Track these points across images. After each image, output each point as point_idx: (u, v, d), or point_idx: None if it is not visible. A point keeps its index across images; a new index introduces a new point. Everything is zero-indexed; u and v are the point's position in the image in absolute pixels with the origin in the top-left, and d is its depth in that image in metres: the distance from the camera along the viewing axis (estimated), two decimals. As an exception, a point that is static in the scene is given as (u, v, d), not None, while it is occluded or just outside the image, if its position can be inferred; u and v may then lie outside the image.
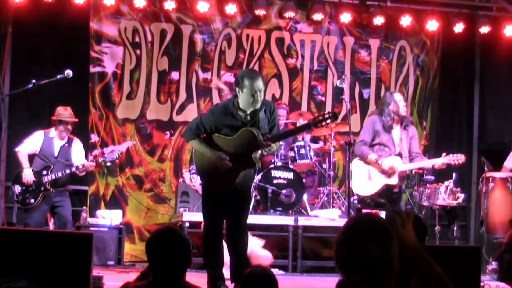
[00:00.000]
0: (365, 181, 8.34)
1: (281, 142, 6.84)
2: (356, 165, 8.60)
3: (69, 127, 8.84)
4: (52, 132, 8.84)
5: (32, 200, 8.60)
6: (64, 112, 8.80)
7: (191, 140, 6.66)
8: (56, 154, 8.78)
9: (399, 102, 8.37)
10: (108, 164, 9.09)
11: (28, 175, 8.60)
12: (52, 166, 8.66)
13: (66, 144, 8.82)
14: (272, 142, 6.38)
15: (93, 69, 11.05)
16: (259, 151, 6.43)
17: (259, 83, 6.37)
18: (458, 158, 8.20)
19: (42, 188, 8.59)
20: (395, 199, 8.53)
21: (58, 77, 7.31)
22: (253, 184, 7.53)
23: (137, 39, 11.26)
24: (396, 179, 8.30)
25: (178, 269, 3.64)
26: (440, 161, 8.28)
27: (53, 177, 8.60)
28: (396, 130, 8.47)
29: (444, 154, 8.40)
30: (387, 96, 8.64)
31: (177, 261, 3.63)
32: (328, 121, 6.62)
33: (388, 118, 8.37)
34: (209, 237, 6.63)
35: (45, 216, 8.85)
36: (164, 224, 10.50)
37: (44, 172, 8.63)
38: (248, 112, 6.44)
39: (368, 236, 2.64)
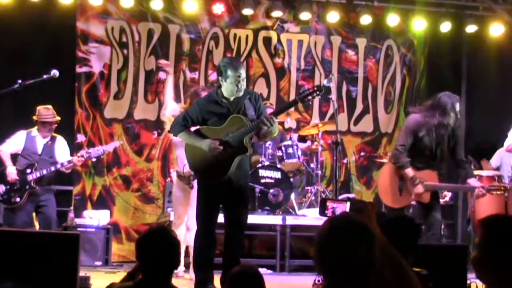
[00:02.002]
0: (395, 192, 7.57)
1: (277, 131, 6.66)
2: (388, 172, 7.77)
3: (52, 127, 8.82)
4: (34, 131, 8.81)
5: (18, 199, 8.57)
6: (46, 113, 8.76)
7: (179, 132, 6.59)
8: (39, 152, 8.75)
9: (457, 112, 7.44)
10: (94, 159, 9.06)
11: (11, 173, 8.57)
12: (36, 164, 8.63)
13: (50, 142, 8.79)
14: (268, 123, 6.28)
15: (80, 69, 11.03)
16: (250, 136, 6.40)
17: (242, 72, 6.42)
18: (500, 187, 7.80)
19: (27, 187, 8.56)
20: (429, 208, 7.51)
21: (45, 77, 7.28)
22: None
23: (124, 39, 11.25)
24: (428, 198, 7.42)
25: (167, 269, 3.65)
26: (482, 191, 7.50)
27: (38, 175, 8.57)
28: (443, 138, 7.45)
29: (484, 186, 7.65)
30: (446, 99, 7.41)
31: (167, 260, 3.65)
32: (314, 95, 6.58)
33: (442, 126, 7.35)
34: (202, 236, 6.51)
35: (30, 216, 8.80)
36: (152, 224, 10.53)
37: (28, 170, 8.60)
38: (232, 99, 6.46)
39: (356, 239, 2.62)
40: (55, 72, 7.32)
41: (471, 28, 11.53)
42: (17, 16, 10.43)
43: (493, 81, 11.79)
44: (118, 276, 8.27)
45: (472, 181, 7.52)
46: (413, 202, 7.66)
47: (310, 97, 6.61)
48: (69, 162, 8.57)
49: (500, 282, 2.75)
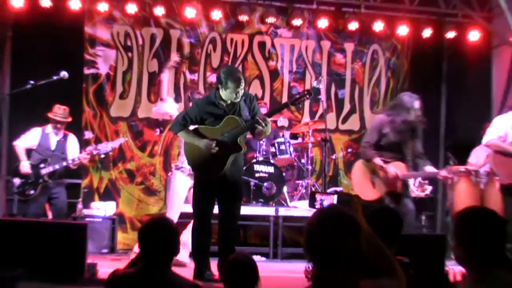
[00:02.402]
0: (368, 186, 7.61)
1: (270, 130, 6.63)
2: (358, 169, 7.83)
3: (62, 126, 8.81)
4: (48, 128, 8.81)
5: (32, 191, 8.57)
6: (58, 111, 8.76)
7: (179, 131, 6.60)
8: (52, 148, 8.75)
9: (416, 110, 7.44)
10: (102, 156, 9.05)
11: (25, 166, 8.57)
12: (48, 159, 8.63)
13: (62, 139, 8.80)
14: (263, 123, 6.28)
15: (88, 71, 11.04)
16: (244, 136, 6.40)
17: (241, 84, 6.42)
18: (461, 172, 7.80)
19: (41, 180, 8.56)
20: (399, 199, 7.53)
21: (55, 78, 7.29)
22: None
23: (128, 43, 11.25)
24: (399, 186, 7.47)
25: (167, 256, 3.66)
26: (443, 174, 7.53)
27: (51, 169, 8.57)
28: (405, 135, 7.50)
29: (446, 168, 7.76)
30: (407, 99, 7.50)
31: (166, 248, 3.65)
32: (304, 99, 6.62)
33: (403, 123, 7.41)
34: (199, 227, 6.51)
35: (43, 207, 8.80)
36: (154, 214, 10.54)
37: (42, 165, 8.59)
38: (229, 102, 6.48)
39: (342, 229, 2.64)
40: (64, 73, 7.33)
41: (450, 34, 11.53)
42: (30, 22, 10.43)
43: (471, 83, 11.78)
44: (123, 262, 8.29)
45: (429, 169, 7.57)
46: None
47: (300, 101, 6.62)
48: (77, 159, 8.56)
49: (473, 265, 2.78)
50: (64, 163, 8.57)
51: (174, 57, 8.64)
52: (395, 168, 7.40)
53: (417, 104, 7.46)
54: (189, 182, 7.99)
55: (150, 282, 3.55)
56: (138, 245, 3.74)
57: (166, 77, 8.71)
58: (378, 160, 7.42)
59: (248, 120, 6.38)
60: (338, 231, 2.64)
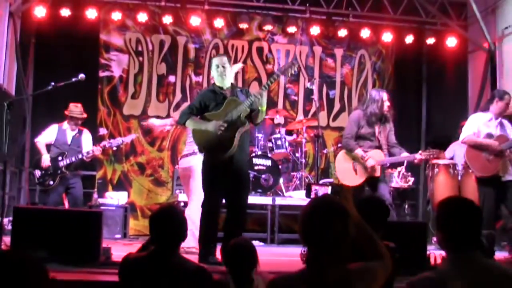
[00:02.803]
0: (351, 173, 7.61)
1: (265, 103, 6.48)
2: (342, 158, 7.82)
3: (78, 121, 8.81)
4: (65, 124, 8.80)
5: (51, 182, 8.56)
6: (75, 109, 8.76)
7: (186, 120, 6.35)
8: (69, 143, 8.73)
9: (384, 101, 7.59)
10: (114, 148, 9.04)
11: (45, 160, 8.57)
12: (66, 153, 8.61)
13: (77, 134, 8.78)
14: (259, 95, 6.07)
15: (102, 74, 11.05)
16: (246, 112, 6.17)
17: (223, 58, 6.42)
18: (433, 153, 7.85)
19: (59, 172, 8.54)
20: (375, 185, 7.54)
21: (73, 80, 7.23)
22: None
23: (140, 48, 11.26)
24: (378, 172, 7.49)
25: (175, 241, 3.63)
26: (418, 157, 7.52)
27: (68, 162, 8.55)
28: (376, 124, 7.63)
29: (420, 151, 7.69)
30: (374, 93, 7.67)
31: (174, 234, 3.62)
32: (293, 66, 6.32)
33: (373, 115, 7.51)
34: (207, 214, 6.23)
35: (61, 196, 8.79)
36: (162, 203, 10.53)
37: (60, 158, 8.58)
38: (225, 88, 6.38)
39: (332, 215, 2.65)
40: (82, 76, 7.27)
41: (430, 40, 11.58)
42: (50, 29, 10.47)
43: (448, 84, 11.79)
44: (134, 247, 8.26)
45: (405, 155, 7.63)
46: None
47: (289, 70, 6.43)
48: (92, 151, 8.55)
49: (452, 248, 2.80)
50: (80, 156, 8.56)
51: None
52: (374, 156, 7.46)
53: (384, 96, 7.58)
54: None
55: (160, 265, 3.53)
56: (149, 230, 3.71)
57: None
58: (359, 151, 7.47)
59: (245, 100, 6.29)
60: (328, 216, 2.65)
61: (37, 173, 8.60)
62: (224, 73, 6.36)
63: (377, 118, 7.57)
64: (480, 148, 7.38)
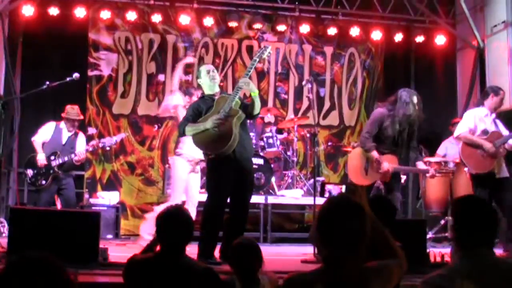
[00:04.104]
0: (362, 172, 7.38)
1: (255, 89, 6.52)
2: (355, 155, 7.59)
3: (76, 123, 8.79)
4: (62, 123, 8.78)
5: (44, 182, 8.52)
6: (72, 111, 8.74)
7: (185, 129, 6.40)
8: (63, 142, 8.70)
9: (417, 104, 7.21)
10: (107, 148, 9.03)
11: (41, 159, 8.53)
12: (58, 152, 8.59)
13: (73, 135, 8.76)
14: (244, 82, 6.34)
15: (91, 73, 10.99)
16: (236, 102, 6.30)
17: (210, 65, 6.67)
18: (446, 169, 7.78)
19: (51, 171, 8.51)
20: (392, 190, 7.37)
21: (68, 79, 7.23)
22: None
23: (129, 47, 11.21)
24: (389, 176, 7.27)
25: (182, 242, 3.63)
26: (431, 172, 7.41)
27: (60, 161, 8.52)
28: (404, 126, 7.26)
29: (433, 169, 7.55)
30: (405, 94, 7.25)
31: (182, 235, 3.63)
32: (264, 51, 6.64)
33: (406, 116, 7.14)
34: (211, 214, 6.25)
35: (53, 197, 8.75)
36: (152, 203, 10.53)
37: (52, 157, 8.54)
38: (215, 92, 6.54)
39: (350, 214, 2.67)
40: (76, 75, 7.27)
41: (419, 38, 11.66)
42: (39, 28, 10.39)
43: (437, 82, 11.87)
44: (128, 247, 8.27)
45: (420, 164, 7.44)
46: (378, 183, 7.63)
47: (263, 54, 6.63)
48: (77, 157, 8.51)
49: (465, 244, 2.84)
50: (72, 156, 8.53)
51: (190, 59, 8.62)
52: (388, 162, 7.21)
53: (415, 99, 7.22)
54: (189, 167, 7.91)
55: (167, 265, 3.54)
56: (156, 231, 3.71)
57: (178, 72, 8.71)
58: (375, 153, 7.19)
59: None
60: (346, 216, 2.67)
61: (30, 172, 8.55)
62: (215, 77, 6.55)
63: (407, 122, 7.22)
64: (475, 146, 7.44)
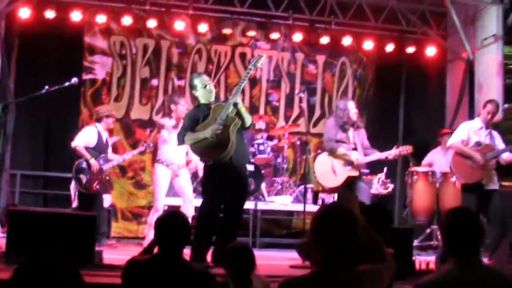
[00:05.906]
0: (331, 175, 8.12)
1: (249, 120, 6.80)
2: (321, 161, 8.41)
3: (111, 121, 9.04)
4: (99, 126, 8.89)
5: (98, 186, 8.66)
6: (108, 108, 8.92)
7: (184, 138, 6.64)
8: (109, 145, 8.93)
9: (350, 110, 8.25)
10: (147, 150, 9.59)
11: (94, 164, 8.62)
12: (106, 156, 8.74)
13: (108, 135, 8.95)
14: (236, 92, 6.63)
15: (86, 76, 11.05)
16: (232, 110, 6.52)
17: (205, 77, 6.86)
18: (407, 149, 8.25)
19: (104, 175, 8.66)
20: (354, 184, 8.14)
21: (66, 84, 7.34)
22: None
23: (123, 52, 11.31)
24: (357, 171, 8.12)
25: (180, 244, 3.78)
26: (393, 153, 8.17)
27: (110, 165, 8.68)
28: (350, 130, 8.32)
29: (395, 147, 8.37)
30: (341, 104, 8.49)
31: (180, 237, 3.77)
32: (259, 60, 6.89)
33: (342, 122, 8.22)
34: (206, 219, 6.43)
35: (102, 201, 9.02)
36: (143, 206, 10.66)
37: (101, 161, 8.66)
38: (210, 101, 6.76)
39: (344, 221, 2.85)
40: (75, 80, 7.40)
41: (410, 49, 11.76)
42: (35, 31, 10.45)
43: (426, 92, 12.03)
44: (120, 250, 8.41)
45: (384, 152, 8.27)
46: (377, 191, 8.18)
47: (258, 62, 6.87)
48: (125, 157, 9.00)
49: (456, 253, 3.04)
50: (120, 160, 8.73)
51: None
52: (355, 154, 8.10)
53: (350, 105, 8.30)
54: (170, 173, 8.21)
55: (166, 267, 3.68)
56: (155, 233, 3.86)
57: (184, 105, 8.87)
58: (342, 149, 8.09)
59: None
60: (339, 223, 2.84)
61: (83, 178, 8.60)
62: (211, 90, 6.77)
63: (349, 125, 8.23)
64: (465, 156, 7.67)
